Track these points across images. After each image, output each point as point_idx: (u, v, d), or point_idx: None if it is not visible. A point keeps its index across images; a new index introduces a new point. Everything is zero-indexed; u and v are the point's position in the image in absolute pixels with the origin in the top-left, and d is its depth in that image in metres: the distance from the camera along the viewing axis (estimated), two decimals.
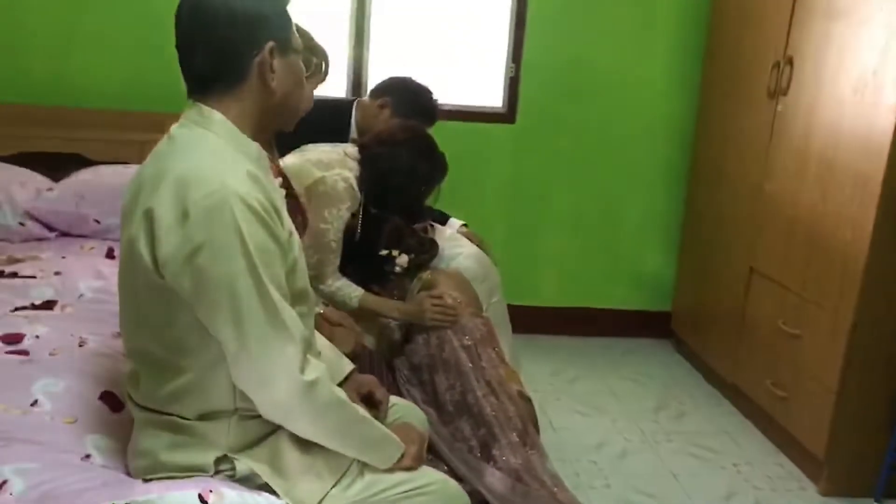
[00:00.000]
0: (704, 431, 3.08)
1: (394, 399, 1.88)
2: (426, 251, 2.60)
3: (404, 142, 2.48)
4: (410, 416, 1.83)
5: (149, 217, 1.32)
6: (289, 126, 1.56)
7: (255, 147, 1.46)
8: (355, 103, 2.87)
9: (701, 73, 3.69)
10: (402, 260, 2.52)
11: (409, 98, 2.77)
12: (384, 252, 2.52)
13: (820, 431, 2.64)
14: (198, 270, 1.30)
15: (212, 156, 1.37)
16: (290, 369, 1.34)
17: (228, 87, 1.42)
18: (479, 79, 3.73)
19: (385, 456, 1.51)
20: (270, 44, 1.41)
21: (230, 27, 1.38)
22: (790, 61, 2.90)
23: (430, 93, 2.82)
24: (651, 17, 3.66)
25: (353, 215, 2.44)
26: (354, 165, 2.43)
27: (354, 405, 1.47)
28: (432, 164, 2.51)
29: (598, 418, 3.13)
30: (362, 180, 2.42)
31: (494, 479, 2.30)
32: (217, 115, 1.41)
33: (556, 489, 2.34)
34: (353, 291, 2.40)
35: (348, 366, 1.79)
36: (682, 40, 3.70)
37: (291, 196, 2.14)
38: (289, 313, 1.37)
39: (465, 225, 3.01)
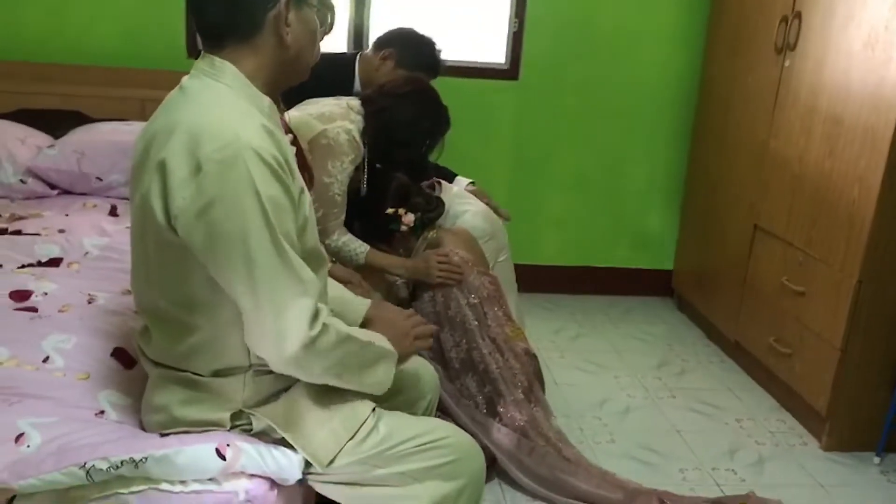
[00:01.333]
0: (707, 388, 3.10)
1: None
2: (433, 209, 2.58)
3: (407, 95, 2.45)
4: (421, 371, 1.83)
5: (161, 168, 1.30)
6: (302, 79, 1.53)
7: (266, 101, 1.44)
8: (358, 57, 2.83)
9: (706, 29, 3.65)
10: (409, 218, 2.50)
11: (412, 50, 2.73)
12: (390, 210, 2.50)
13: (823, 388, 2.66)
14: (210, 225, 1.27)
15: (224, 107, 1.34)
16: (302, 323, 1.32)
17: (242, 39, 1.39)
18: (482, 34, 3.67)
19: (387, 369, 1.51)
20: None
21: None
22: (798, 16, 2.86)
23: (433, 44, 2.77)
24: None
25: (357, 168, 2.42)
26: (357, 118, 2.40)
27: (355, 331, 1.46)
28: (436, 118, 2.48)
29: (602, 375, 3.15)
30: (366, 134, 2.40)
31: (501, 435, 2.33)
32: (229, 67, 1.39)
33: (560, 445, 2.36)
34: (359, 247, 2.39)
35: (362, 306, 1.75)
36: None
37: (298, 152, 2.12)
38: (304, 268, 1.35)
39: (472, 183, 2.99)
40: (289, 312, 1.31)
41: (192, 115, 1.32)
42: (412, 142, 2.46)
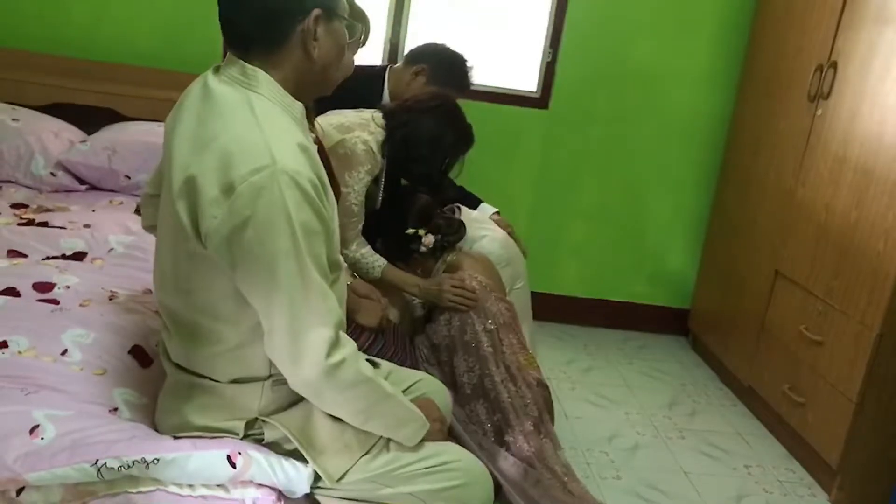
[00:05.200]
0: (717, 431, 3.07)
1: (419, 374, 1.88)
2: (453, 233, 2.57)
3: (431, 110, 2.44)
4: (434, 391, 1.82)
5: (191, 185, 1.29)
6: (325, 93, 1.52)
7: (299, 107, 1.43)
8: (388, 70, 2.83)
9: (740, 72, 3.65)
10: (429, 240, 2.50)
11: (445, 66, 2.73)
12: (411, 231, 2.50)
13: (835, 440, 2.62)
14: (240, 246, 1.27)
15: (259, 122, 1.32)
16: (318, 353, 1.31)
17: (268, 51, 1.38)
18: (516, 61, 3.69)
19: (410, 433, 1.50)
20: (316, 11, 1.37)
21: None
22: (834, 65, 2.86)
23: (465, 62, 2.77)
24: (693, 12, 3.62)
25: (375, 181, 2.42)
26: (377, 130, 2.39)
27: (381, 382, 1.44)
28: (458, 135, 2.46)
29: (612, 410, 3.12)
30: (386, 147, 2.39)
31: (507, 464, 2.30)
32: (262, 75, 1.37)
33: (566, 479, 2.34)
34: (376, 261, 2.39)
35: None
36: (724, 37, 3.66)
37: (326, 162, 2.13)
38: (327, 297, 1.34)
39: (497, 212, 2.98)
40: (306, 338, 1.31)
41: (227, 131, 1.31)
42: (431, 158, 2.44)
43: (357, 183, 2.31)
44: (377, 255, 2.41)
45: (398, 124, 2.41)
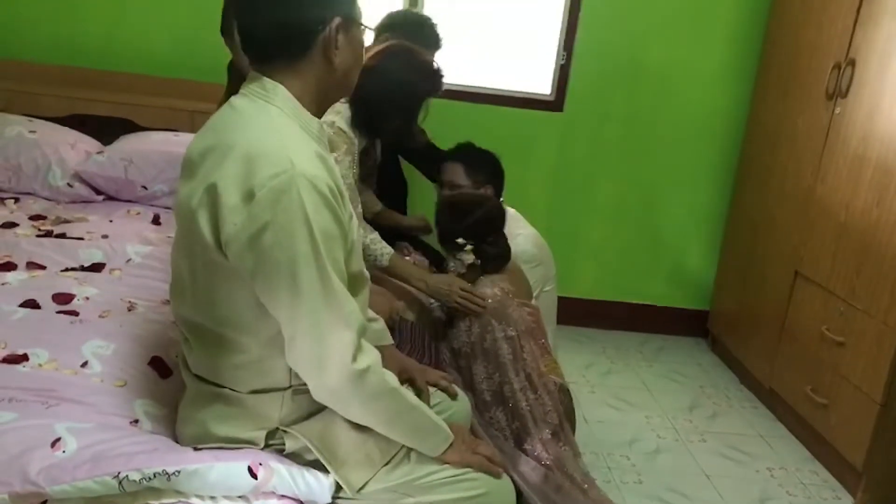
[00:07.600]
0: (739, 434, 3.04)
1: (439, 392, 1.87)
2: (491, 262, 2.45)
3: (380, 59, 2.26)
4: (454, 406, 1.81)
5: (212, 193, 1.29)
6: (345, 95, 1.54)
7: (316, 124, 1.44)
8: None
9: (756, 70, 3.62)
10: (469, 258, 2.43)
11: (411, 30, 2.66)
12: (461, 240, 2.40)
13: (860, 442, 2.59)
14: (260, 251, 1.27)
15: (278, 131, 1.33)
16: (343, 357, 1.31)
17: (290, 60, 1.38)
18: (529, 64, 3.68)
19: (434, 444, 1.49)
20: (337, 20, 1.37)
21: None
22: (852, 63, 2.83)
23: (430, 20, 2.75)
24: (708, 10, 3.59)
25: (369, 156, 2.35)
26: (343, 107, 2.28)
27: (406, 392, 1.44)
28: (417, 74, 2.31)
29: (632, 413, 3.10)
30: (354, 121, 2.28)
31: (528, 468, 2.28)
32: (281, 90, 1.38)
33: (586, 486, 2.32)
34: (384, 249, 2.33)
35: (387, 338, 1.77)
36: (739, 35, 3.63)
37: None
38: (348, 300, 1.34)
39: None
40: (328, 342, 1.31)
41: (247, 140, 1.31)
42: (395, 107, 2.28)
43: (338, 166, 2.27)
44: (384, 244, 2.34)
45: (356, 91, 2.32)
